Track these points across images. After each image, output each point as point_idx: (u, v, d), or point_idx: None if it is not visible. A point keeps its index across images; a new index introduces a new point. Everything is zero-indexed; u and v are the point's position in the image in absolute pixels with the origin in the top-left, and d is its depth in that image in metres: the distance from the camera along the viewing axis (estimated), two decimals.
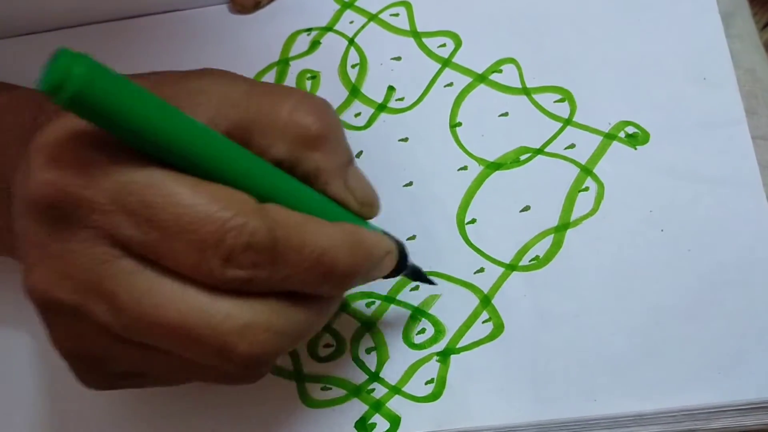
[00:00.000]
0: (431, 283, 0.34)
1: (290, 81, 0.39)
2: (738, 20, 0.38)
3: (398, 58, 0.39)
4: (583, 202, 0.35)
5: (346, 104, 0.38)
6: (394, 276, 0.32)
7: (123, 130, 0.24)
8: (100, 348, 0.27)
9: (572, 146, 0.36)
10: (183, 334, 0.25)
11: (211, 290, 0.26)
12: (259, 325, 0.26)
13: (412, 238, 0.36)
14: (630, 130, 0.36)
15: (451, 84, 0.38)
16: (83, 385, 0.30)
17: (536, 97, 0.37)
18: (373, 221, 0.31)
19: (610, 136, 0.36)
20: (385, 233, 0.31)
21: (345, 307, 0.35)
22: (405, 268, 0.32)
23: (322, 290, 0.28)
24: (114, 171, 0.25)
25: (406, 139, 0.37)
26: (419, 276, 0.33)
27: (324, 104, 0.29)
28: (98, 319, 0.26)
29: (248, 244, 0.25)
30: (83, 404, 0.35)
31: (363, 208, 0.30)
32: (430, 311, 0.34)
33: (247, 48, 0.40)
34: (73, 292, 0.26)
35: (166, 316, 0.25)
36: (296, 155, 0.28)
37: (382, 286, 0.35)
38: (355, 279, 0.29)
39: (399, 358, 0.34)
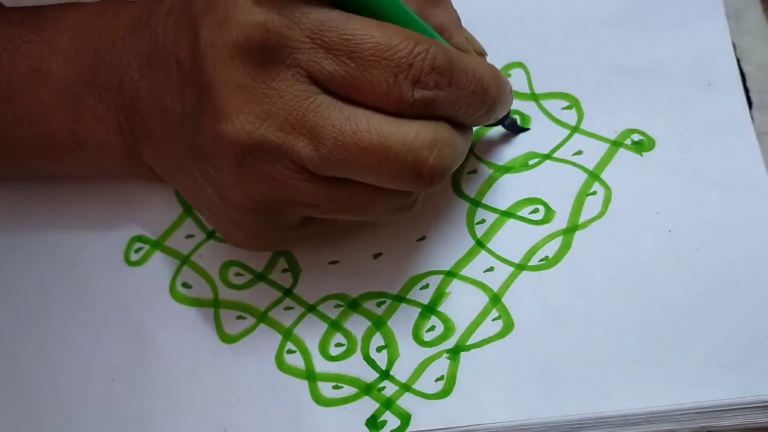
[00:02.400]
0: (525, 129, 0.37)
1: None
2: (749, 15, 0.39)
3: None
4: (591, 205, 0.36)
5: None
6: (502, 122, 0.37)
7: None
8: (289, 190, 0.30)
9: (580, 153, 0.37)
10: (381, 153, 0.29)
11: (398, 117, 0.29)
12: (443, 140, 0.30)
13: (422, 238, 0.36)
14: (636, 137, 0.36)
15: None
16: (247, 245, 0.33)
17: (544, 103, 0.38)
18: None
19: (616, 144, 0.36)
20: None
21: (356, 307, 0.35)
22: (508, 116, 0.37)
23: (478, 115, 0.32)
24: (312, 12, 0.28)
25: None
26: (515, 126, 0.37)
27: None
28: (299, 154, 0.29)
29: (433, 66, 0.29)
30: (91, 403, 0.35)
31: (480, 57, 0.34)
32: (439, 309, 0.34)
33: None
34: (278, 129, 0.29)
35: (366, 139, 0.29)
36: (422, 12, 0.32)
37: (392, 285, 0.35)
38: (499, 106, 0.33)
39: (409, 356, 0.34)
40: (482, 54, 0.35)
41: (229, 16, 0.28)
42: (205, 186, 0.31)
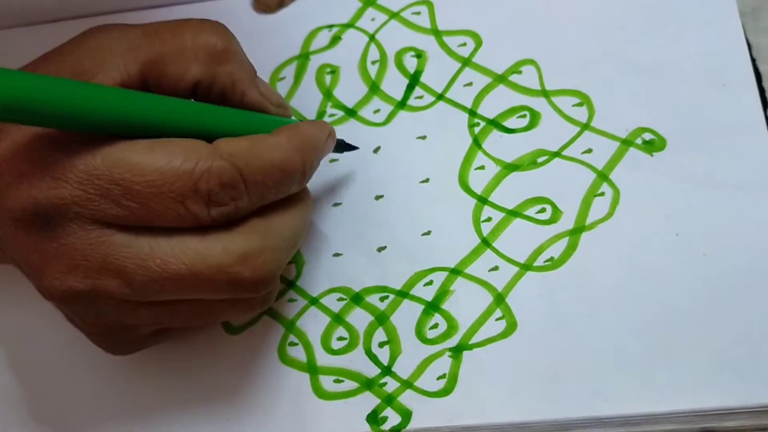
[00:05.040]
0: (353, 148, 0.36)
1: (310, 74, 0.39)
2: (767, 14, 0.38)
3: (419, 56, 0.39)
4: (599, 206, 0.35)
5: (365, 100, 0.39)
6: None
7: (60, 120, 0.26)
8: (125, 318, 0.29)
9: (589, 151, 0.36)
10: (193, 279, 0.28)
11: (203, 232, 0.28)
12: (254, 250, 0.29)
13: (428, 233, 0.36)
14: (647, 136, 0.36)
15: (470, 84, 0.38)
16: (114, 354, 0.32)
17: (555, 99, 0.37)
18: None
19: (627, 143, 0.36)
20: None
21: (358, 301, 0.35)
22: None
23: (291, 191, 0.31)
24: (74, 163, 0.27)
25: (424, 137, 0.38)
26: (343, 146, 0.36)
27: (220, 24, 0.31)
28: (115, 294, 0.28)
29: (221, 183, 0.28)
30: (94, 392, 0.35)
31: (279, 110, 0.33)
32: (443, 307, 0.34)
33: (269, 41, 0.40)
34: (84, 278, 0.28)
35: (173, 269, 0.28)
36: (211, 72, 0.30)
37: (395, 280, 0.35)
38: (314, 168, 0.32)
39: (411, 353, 0.34)
40: (281, 106, 0.33)
41: (2, 194, 0.28)
42: None
